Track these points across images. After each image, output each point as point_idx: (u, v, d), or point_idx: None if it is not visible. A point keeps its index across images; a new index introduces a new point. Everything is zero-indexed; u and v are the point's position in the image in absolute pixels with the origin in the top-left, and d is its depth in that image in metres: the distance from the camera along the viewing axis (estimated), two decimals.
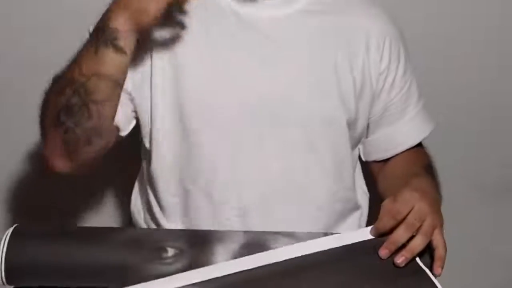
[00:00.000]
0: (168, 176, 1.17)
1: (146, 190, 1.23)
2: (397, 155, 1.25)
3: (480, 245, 1.70)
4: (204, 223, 1.16)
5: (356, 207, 1.26)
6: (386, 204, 1.01)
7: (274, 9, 1.14)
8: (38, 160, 1.59)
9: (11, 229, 1.00)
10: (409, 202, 0.99)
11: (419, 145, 1.27)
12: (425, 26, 1.50)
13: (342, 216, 1.22)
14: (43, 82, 1.09)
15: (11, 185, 1.63)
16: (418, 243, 0.98)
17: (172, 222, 1.19)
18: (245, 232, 1.04)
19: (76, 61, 1.05)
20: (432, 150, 1.31)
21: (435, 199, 1.06)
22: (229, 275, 0.94)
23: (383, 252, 0.98)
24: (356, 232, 1.03)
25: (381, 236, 1.00)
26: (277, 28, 1.13)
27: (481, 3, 1.54)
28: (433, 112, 1.28)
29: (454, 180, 1.57)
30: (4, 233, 0.99)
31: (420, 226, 0.99)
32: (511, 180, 1.69)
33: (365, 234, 1.02)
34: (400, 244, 0.98)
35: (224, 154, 1.14)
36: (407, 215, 0.99)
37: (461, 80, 1.59)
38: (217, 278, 0.94)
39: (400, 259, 0.97)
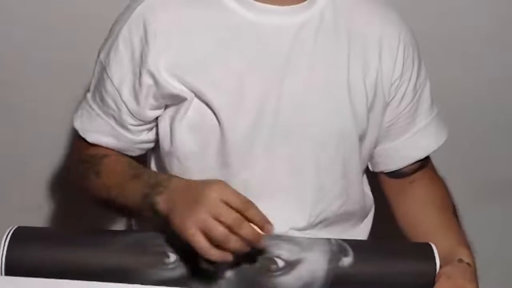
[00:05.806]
0: None
1: None
2: (414, 181, 1.22)
3: (482, 246, 1.69)
4: None
5: (363, 216, 1.24)
6: None
7: (284, 17, 1.10)
8: (40, 161, 1.60)
9: (11, 230, 1.00)
10: None
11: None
12: (425, 26, 1.46)
13: (351, 226, 1.21)
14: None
15: (11, 186, 1.63)
16: None
17: None
18: None
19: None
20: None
21: (475, 273, 1.10)
22: None
23: None
24: None
25: None
26: (288, 38, 1.09)
27: (482, 3, 1.55)
28: None
29: (454, 180, 1.56)
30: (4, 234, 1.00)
31: None
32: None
33: None
34: None
35: (233, 168, 1.11)
36: None
37: (461, 80, 1.59)
38: None
39: None
